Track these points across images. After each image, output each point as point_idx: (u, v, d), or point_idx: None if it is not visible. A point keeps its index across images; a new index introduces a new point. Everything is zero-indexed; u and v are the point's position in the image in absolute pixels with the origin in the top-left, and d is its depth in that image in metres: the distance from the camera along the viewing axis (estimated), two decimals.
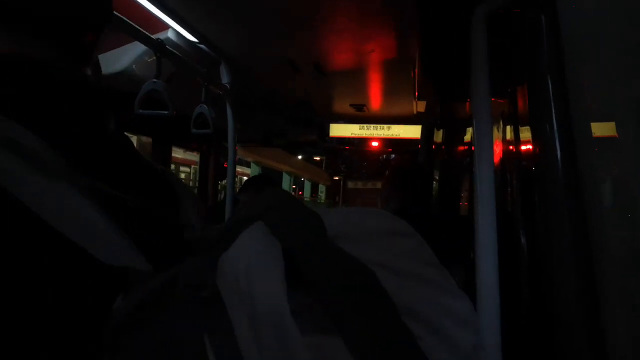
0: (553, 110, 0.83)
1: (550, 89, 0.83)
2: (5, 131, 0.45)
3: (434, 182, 2.76)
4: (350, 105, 3.20)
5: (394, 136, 3.81)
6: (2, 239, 0.42)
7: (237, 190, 2.57)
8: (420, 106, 2.77)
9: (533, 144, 0.92)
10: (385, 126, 3.79)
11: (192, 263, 0.47)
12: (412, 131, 3.73)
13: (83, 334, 0.45)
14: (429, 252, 0.52)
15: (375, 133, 3.83)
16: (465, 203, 2.46)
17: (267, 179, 2.75)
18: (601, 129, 0.84)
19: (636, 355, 0.72)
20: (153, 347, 0.41)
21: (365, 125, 3.82)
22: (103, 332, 0.43)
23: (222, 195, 3.76)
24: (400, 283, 0.45)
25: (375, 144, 3.97)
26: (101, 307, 0.45)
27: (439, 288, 0.48)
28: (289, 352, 0.38)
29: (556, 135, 0.82)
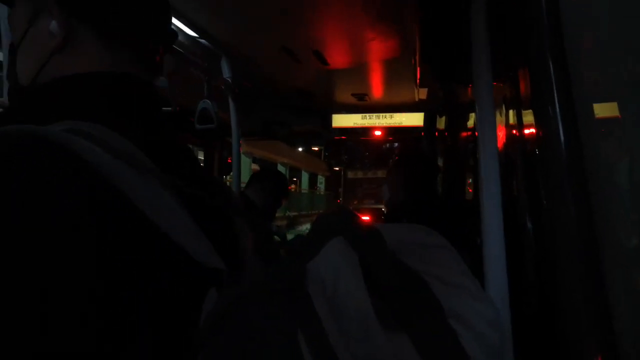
0: (555, 93, 0.83)
1: (552, 71, 0.83)
2: (104, 135, 0.50)
3: (438, 169, 2.76)
4: (352, 94, 3.20)
5: (397, 124, 3.80)
6: (120, 234, 0.45)
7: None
8: (422, 93, 2.76)
9: (536, 127, 0.92)
10: (388, 115, 3.79)
11: (281, 269, 0.55)
12: (415, 119, 3.72)
13: (179, 330, 0.49)
14: (461, 261, 0.61)
15: (378, 122, 3.83)
16: (470, 189, 2.46)
17: (271, 174, 2.76)
18: (603, 109, 0.84)
19: None
20: (247, 342, 0.46)
21: (367, 114, 3.81)
22: (197, 330, 0.48)
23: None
24: (445, 290, 0.54)
25: (378, 133, 3.96)
26: (194, 305, 0.50)
27: (472, 294, 0.57)
28: (374, 344, 0.46)
29: (559, 117, 0.82)
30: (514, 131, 1.31)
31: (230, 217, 0.69)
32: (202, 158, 3.56)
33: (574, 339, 0.77)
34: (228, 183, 3.92)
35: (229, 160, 2.73)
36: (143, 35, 0.66)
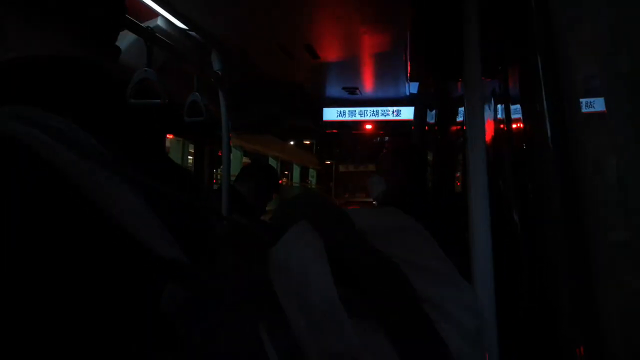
0: (543, 88, 0.84)
1: (541, 68, 0.84)
2: (56, 123, 0.46)
3: (428, 163, 2.77)
4: (343, 88, 3.20)
5: (388, 118, 3.81)
6: (64, 223, 0.43)
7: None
8: (413, 88, 2.77)
9: (524, 122, 0.93)
10: (379, 108, 3.80)
11: (243, 255, 0.53)
12: (405, 113, 3.74)
13: (133, 322, 0.47)
14: (435, 246, 0.59)
15: (369, 116, 3.84)
16: (458, 183, 2.48)
17: (262, 167, 2.75)
18: (592, 104, 0.85)
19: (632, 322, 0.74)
20: (209, 337, 0.44)
21: (358, 108, 3.82)
22: (154, 322, 0.46)
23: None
24: (416, 274, 0.52)
25: (369, 126, 3.97)
26: (151, 297, 0.47)
27: (447, 279, 0.55)
28: (341, 335, 0.43)
29: (546, 113, 0.83)
30: (502, 125, 1.32)
31: (200, 210, 0.66)
32: (193, 151, 3.54)
33: (562, 333, 0.79)
34: (218, 176, 3.91)
35: (219, 154, 2.72)
36: (80, 13, 0.60)
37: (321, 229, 0.51)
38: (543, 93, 0.82)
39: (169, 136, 4.33)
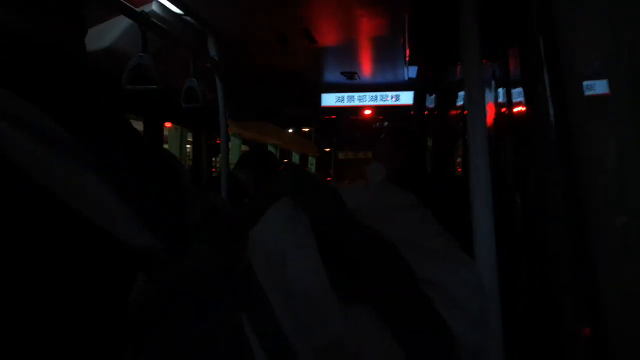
0: (545, 71, 0.82)
1: (542, 49, 0.82)
2: (11, 107, 0.43)
3: (427, 148, 2.76)
4: (342, 73, 3.17)
5: (387, 104, 3.79)
6: (16, 214, 0.40)
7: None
8: (412, 72, 2.74)
9: (526, 105, 0.92)
10: (378, 94, 3.77)
11: (224, 239, 0.48)
12: (405, 98, 3.71)
13: (102, 311, 0.44)
14: (434, 221, 0.54)
15: (368, 101, 3.81)
16: (459, 169, 2.47)
17: (261, 154, 2.74)
18: (593, 87, 0.83)
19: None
20: (189, 330, 0.40)
21: (357, 93, 3.79)
22: (127, 311, 0.43)
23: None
24: (414, 253, 0.48)
25: (368, 112, 3.95)
26: (120, 285, 0.44)
27: (447, 257, 0.51)
28: (334, 324, 0.39)
29: (549, 95, 0.82)
30: (503, 109, 1.30)
31: (178, 193, 0.61)
32: (191, 140, 3.52)
33: (566, 318, 0.78)
34: (217, 165, 3.89)
35: (218, 142, 2.70)
36: None
37: (308, 207, 0.46)
38: (545, 75, 0.81)
39: (167, 124, 4.31)
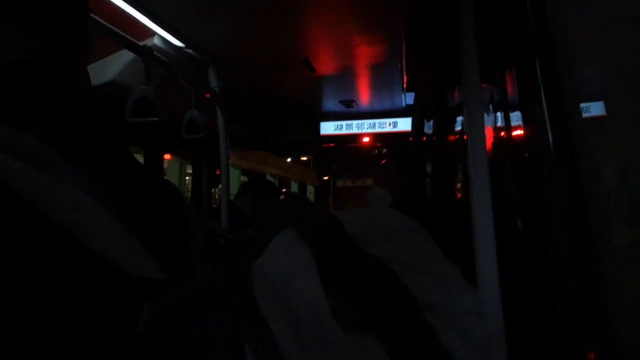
0: (542, 94, 0.84)
1: (539, 72, 0.84)
2: (5, 135, 0.43)
3: (427, 174, 2.77)
4: (340, 101, 3.21)
5: (385, 130, 3.82)
6: (14, 242, 0.40)
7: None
8: (409, 98, 2.78)
9: (524, 129, 0.93)
10: (376, 121, 3.81)
11: (226, 270, 0.48)
12: (402, 124, 3.75)
13: (104, 340, 0.43)
14: (437, 247, 0.55)
15: (366, 128, 3.85)
16: (459, 195, 2.47)
17: (261, 183, 2.74)
18: (589, 109, 0.85)
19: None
20: (186, 357, 0.41)
21: (355, 121, 3.83)
22: (130, 340, 0.42)
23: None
24: (417, 279, 0.47)
25: (366, 139, 3.98)
26: (123, 315, 0.44)
27: (450, 283, 0.50)
28: (336, 353, 0.39)
29: (547, 118, 0.83)
30: (502, 132, 1.32)
31: (183, 221, 0.61)
32: (190, 172, 3.53)
33: (572, 339, 0.77)
34: (216, 196, 3.89)
35: (217, 172, 2.71)
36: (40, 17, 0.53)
37: (309, 237, 0.47)
38: (542, 97, 0.82)
39: (166, 157, 4.32)
